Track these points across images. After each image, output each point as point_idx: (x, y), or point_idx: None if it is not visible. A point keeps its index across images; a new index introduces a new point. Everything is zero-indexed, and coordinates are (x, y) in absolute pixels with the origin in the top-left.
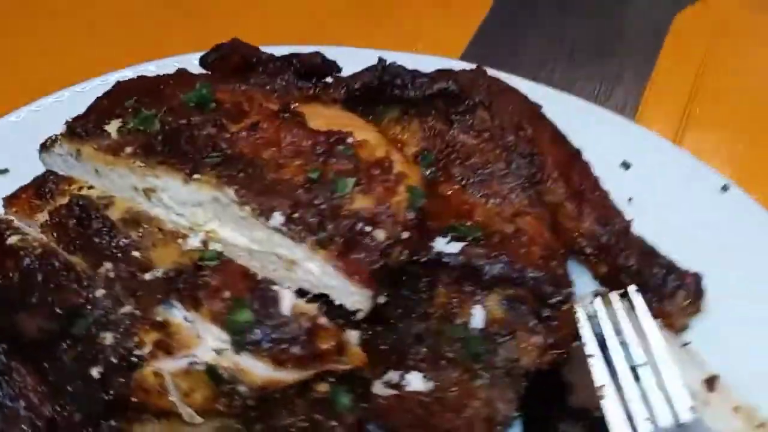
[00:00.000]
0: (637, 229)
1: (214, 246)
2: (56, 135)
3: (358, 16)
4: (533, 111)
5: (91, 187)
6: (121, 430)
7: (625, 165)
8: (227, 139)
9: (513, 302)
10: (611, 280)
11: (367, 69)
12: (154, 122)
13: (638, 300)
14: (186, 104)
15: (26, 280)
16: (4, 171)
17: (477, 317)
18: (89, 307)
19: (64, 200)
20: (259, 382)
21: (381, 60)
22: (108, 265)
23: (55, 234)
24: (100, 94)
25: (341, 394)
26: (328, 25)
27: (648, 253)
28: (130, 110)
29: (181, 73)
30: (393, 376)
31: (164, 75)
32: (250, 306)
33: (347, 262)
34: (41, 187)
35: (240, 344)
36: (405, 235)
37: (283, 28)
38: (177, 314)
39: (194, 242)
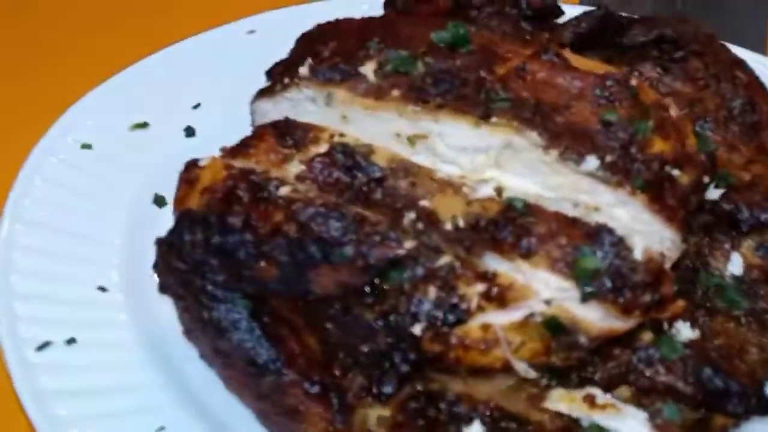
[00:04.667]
0: None
1: (507, 194)
2: (286, 80)
3: None
4: (738, 59)
5: (342, 135)
6: (417, 394)
7: None
8: (502, 82)
9: None
10: None
11: (587, 13)
12: (416, 63)
13: None
14: (437, 45)
15: (317, 233)
16: (144, 125)
17: (735, 264)
18: (406, 259)
19: (320, 149)
20: (596, 332)
21: (601, 5)
22: (411, 215)
23: (316, 185)
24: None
25: (670, 341)
26: None
27: None
28: (371, 51)
29: (393, 15)
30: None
31: (375, 17)
32: (592, 252)
33: (664, 206)
34: (284, 136)
35: (588, 292)
36: (706, 179)
37: None
38: (500, 265)
39: (486, 191)
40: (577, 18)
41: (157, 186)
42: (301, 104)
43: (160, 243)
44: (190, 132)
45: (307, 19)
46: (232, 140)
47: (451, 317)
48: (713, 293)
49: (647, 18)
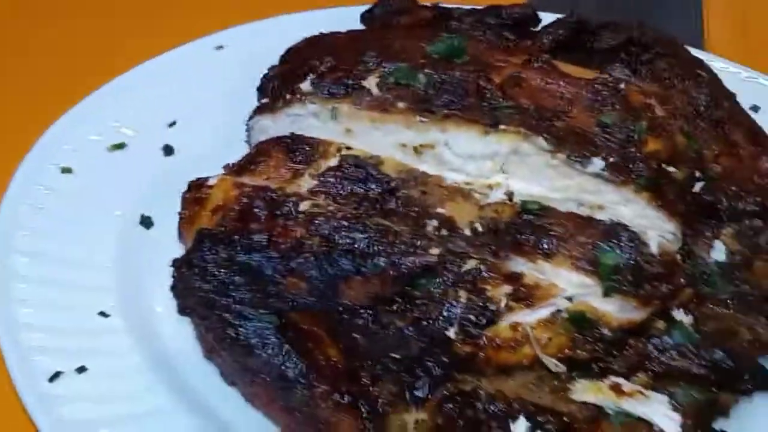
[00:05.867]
0: None
1: (517, 198)
2: (287, 96)
3: None
4: (698, 59)
5: (349, 148)
6: (451, 395)
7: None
8: (501, 90)
9: (752, 232)
10: None
11: (561, 20)
12: (417, 75)
13: None
14: (431, 55)
15: (343, 246)
16: (121, 145)
17: (718, 251)
18: (435, 266)
19: (330, 162)
20: (616, 324)
21: (573, 11)
22: (433, 222)
23: (330, 198)
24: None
25: (684, 329)
26: None
27: None
28: (370, 65)
29: (378, 28)
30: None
31: (360, 30)
32: (612, 249)
33: (666, 202)
34: (293, 152)
35: (611, 287)
36: (698, 174)
37: None
38: (523, 266)
39: (497, 195)
40: (553, 25)
41: (141, 206)
42: (304, 119)
43: (179, 264)
44: (168, 150)
45: (272, 33)
46: (213, 157)
47: (482, 319)
48: (699, 280)
49: (612, 23)
